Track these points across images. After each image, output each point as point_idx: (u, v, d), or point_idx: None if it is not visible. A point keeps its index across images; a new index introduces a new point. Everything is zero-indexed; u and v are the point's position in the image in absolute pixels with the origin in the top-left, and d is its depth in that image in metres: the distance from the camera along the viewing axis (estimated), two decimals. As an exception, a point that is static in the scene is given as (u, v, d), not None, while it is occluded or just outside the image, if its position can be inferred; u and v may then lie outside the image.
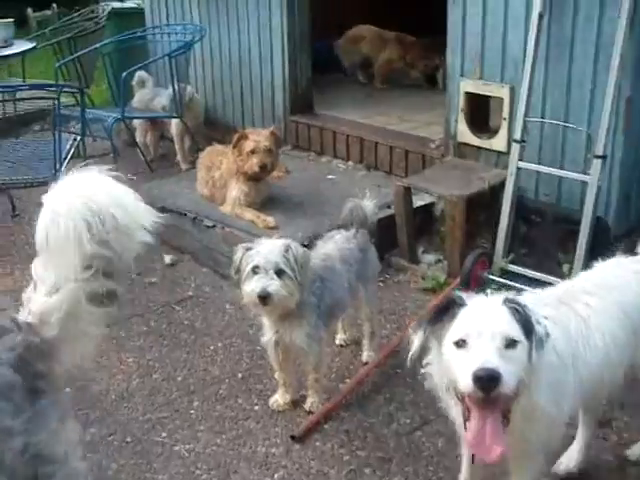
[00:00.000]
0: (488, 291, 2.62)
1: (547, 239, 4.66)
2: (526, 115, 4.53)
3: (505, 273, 4.63)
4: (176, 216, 5.28)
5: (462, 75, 5.09)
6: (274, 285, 3.32)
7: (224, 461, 3.44)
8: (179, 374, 4.06)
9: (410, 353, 2.49)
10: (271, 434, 3.62)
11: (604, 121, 4.19)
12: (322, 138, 6.08)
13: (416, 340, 2.46)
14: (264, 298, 3.33)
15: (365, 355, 4.12)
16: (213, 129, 6.93)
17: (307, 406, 3.75)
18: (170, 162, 6.95)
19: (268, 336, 3.62)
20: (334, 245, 3.81)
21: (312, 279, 3.53)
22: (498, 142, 4.96)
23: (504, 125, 4.89)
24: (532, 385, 2.41)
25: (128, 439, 3.57)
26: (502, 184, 4.78)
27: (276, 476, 3.36)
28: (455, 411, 2.59)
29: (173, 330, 4.46)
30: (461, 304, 2.42)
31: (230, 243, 4.80)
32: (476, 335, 2.29)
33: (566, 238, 4.66)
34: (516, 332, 2.31)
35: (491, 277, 4.63)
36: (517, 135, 4.52)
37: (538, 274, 4.50)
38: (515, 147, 4.53)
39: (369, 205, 3.96)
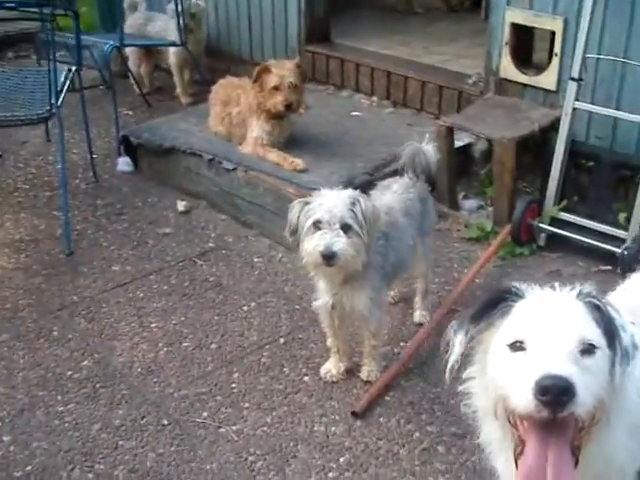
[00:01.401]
0: (555, 284, 1.88)
1: (601, 186, 4.24)
2: (585, 51, 4.03)
3: (556, 222, 4.22)
4: (189, 157, 4.75)
5: (509, 4, 4.56)
6: (340, 242, 2.85)
7: (279, 444, 3.02)
8: (212, 341, 3.60)
9: (449, 363, 1.85)
10: (327, 410, 3.20)
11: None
12: (343, 71, 5.52)
13: (457, 345, 1.82)
14: (329, 257, 2.85)
15: (418, 315, 3.72)
16: (216, 59, 6.33)
17: (364, 376, 3.34)
18: (168, 96, 6.34)
19: (324, 300, 3.16)
20: (393, 196, 3.34)
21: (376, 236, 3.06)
22: (547, 79, 4.48)
23: (555, 61, 4.40)
24: (612, 416, 1.76)
25: (164, 421, 3.13)
26: (551, 125, 4.37)
27: (341, 460, 2.95)
28: (500, 447, 1.92)
29: (197, 288, 3.98)
30: (518, 295, 1.80)
31: (254, 187, 4.32)
32: (540, 335, 1.67)
33: (621, 185, 4.25)
34: (595, 335, 1.69)
35: (541, 226, 4.22)
36: (575, 73, 4.03)
37: (592, 223, 4.12)
38: (572, 86, 4.04)
39: (430, 150, 3.47)
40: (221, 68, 6.33)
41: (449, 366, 1.85)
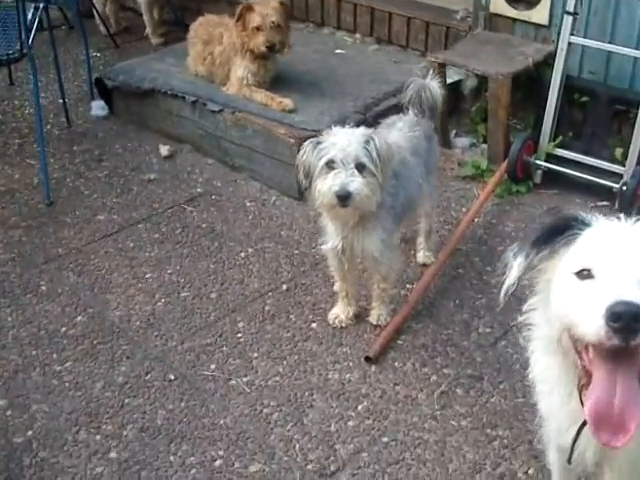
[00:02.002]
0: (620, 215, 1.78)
1: (596, 121, 4.14)
2: (581, -16, 3.89)
3: (552, 158, 4.13)
4: (170, 99, 4.52)
5: None
6: (356, 182, 2.71)
7: (294, 394, 2.92)
8: (212, 290, 3.45)
9: (505, 286, 1.79)
10: (340, 356, 3.10)
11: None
12: (323, 7, 5.29)
13: (515, 268, 1.76)
14: (344, 198, 2.71)
15: (422, 255, 3.62)
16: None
17: (374, 320, 3.24)
18: (136, 36, 6.02)
19: (333, 242, 3.03)
20: (400, 134, 3.19)
21: (387, 175, 2.92)
22: (538, 14, 4.32)
23: (548, -6, 4.23)
24: None
25: (171, 376, 2.99)
26: (544, 61, 4.24)
27: (360, 407, 2.87)
28: (558, 382, 1.83)
29: (190, 235, 3.81)
30: (584, 223, 1.72)
31: (242, 129, 4.13)
32: (610, 263, 1.60)
33: (616, 120, 4.16)
34: None
35: (538, 162, 4.13)
36: (570, 6, 3.88)
37: (588, 159, 4.03)
38: (567, 19, 3.90)
39: (435, 85, 3.32)
40: (191, 7, 6.06)
41: (504, 288, 1.80)
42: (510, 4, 4.41)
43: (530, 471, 2.62)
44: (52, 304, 3.34)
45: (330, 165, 2.74)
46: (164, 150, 4.45)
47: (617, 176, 3.91)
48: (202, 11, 5.89)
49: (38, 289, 3.43)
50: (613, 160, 3.97)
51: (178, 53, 4.89)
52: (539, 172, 4.16)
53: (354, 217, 2.88)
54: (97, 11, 5.89)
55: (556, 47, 4.12)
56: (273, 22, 4.13)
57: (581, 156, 4.05)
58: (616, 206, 3.92)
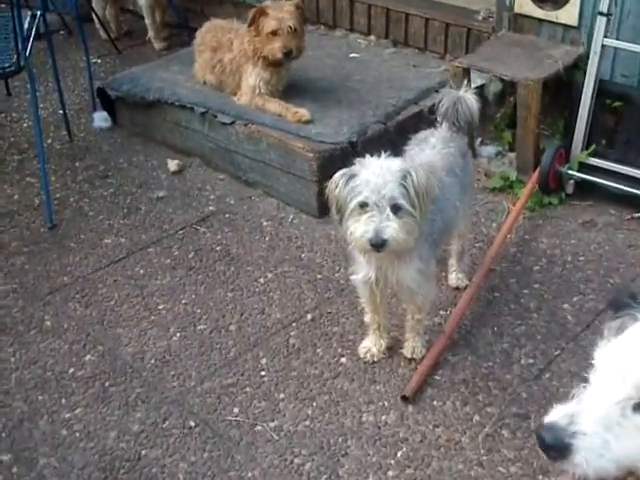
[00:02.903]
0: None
1: (631, 128, 3.89)
2: (614, -18, 3.64)
3: (585, 167, 3.88)
4: (177, 110, 4.27)
5: None
6: (390, 229, 2.46)
7: (326, 441, 2.68)
8: (230, 321, 3.21)
9: None
10: (374, 395, 2.86)
11: None
12: (335, 9, 5.02)
13: None
14: (378, 246, 2.47)
15: (454, 278, 3.37)
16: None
17: (408, 353, 3.00)
18: (138, 41, 5.76)
19: (365, 273, 2.78)
20: (433, 151, 2.93)
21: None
22: (567, 14, 4.06)
23: (578, -6, 3.97)
24: None
25: (191, 423, 2.75)
26: (574, 64, 3.99)
27: (399, 454, 2.63)
28: None
29: (204, 260, 3.56)
30: None
31: (256, 142, 3.88)
32: None
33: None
34: None
35: (570, 172, 3.88)
36: (603, 7, 3.63)
37: (623, 167, 3.78)
38: (601, 21, 3.64)
39: (471, 98, 3.06)
40: (194, 9, 5.81)
41: None
42: (536, 4, 4.15)
43: (590, 525, 2.37)
44: (58, 341, 3.10)
45: (363, 206, 2.48)
46: (172, 165, 4.20)
47: (655, 186, 3.67)
48: (205, 13, 5.68)
49: (42, 324, 3.19)
50: (650, 169, 3.72)
51: (184, 60, 4.64)
52: (571, 182, 3.91)
53: (389, 257, 2.63)
54: (97, 15, 5.62)
55: (587, 50, 3.89)
56: (290, 27, 3.87)
57: (616, 165, 3.80)
58: (655, 218, 3.68)
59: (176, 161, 4.22)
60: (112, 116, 4.67)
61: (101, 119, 4.65)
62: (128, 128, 4.59)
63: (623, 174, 3.75)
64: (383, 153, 2.59)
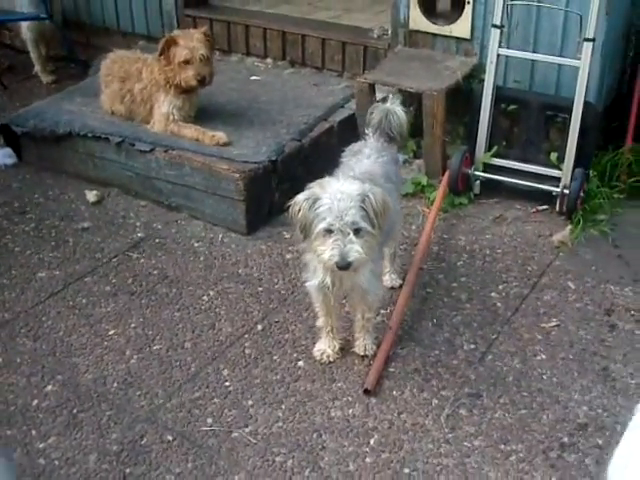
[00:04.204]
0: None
1: (527, 128, 4.27)
2: (505, -2, 4.01)
3: (489, 168, 4.22)
4: (90, 142, 4.28)
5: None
6: (353, 251, 2.66)
7: (302, 438, 2.80)
8: (184, 339, 3.28)
9: None
10: (336, 392, 3.01)
11: (594, 3, 3.77)
12: (229, 34, 5.18)
13: None
14: (344, 268, 2.67)
15: (388, 279, 3.58)
16: (72, 31, 5.72)
17: (360, 350, 3.18)
18: (22, 75, 5.68)
19: (320, 279, 2.93)
20: (370, 160, 3.14)
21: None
22: (460, 28, 4.42)
23: (468, 9, 4.33)
24: None
25: (168, 437, 2.80)
26: (470, 73, 4.36)
27: (372, 442, 2.79)
28: None
29: (144, 284, 3.60)
30: None
31: (179, 167, 3.97)
32: None
33: (547, 125, 4.31)
34: None
35: (477, 174, 4.22)
36: (497, 20, 4.00)
37: (524, 165, 4.15)
38: (495, 33, 4.01)
39: (399, 110, 3.31)
40: (80, 40, 5.80)
41: None
42: (430, 20, 4.47)
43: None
44: (14, 375, 3.06)
45: (328, 231, 2.66)
46: (91, 196, 4.20)
47: (554, 180, 4.04)
48: (92, 43, 5.69)
49: (-7, 361, 3.13)
50: (549, 165, 4.09)
51: (86, 92, 4.67)
52: (477, 183, 4.24)
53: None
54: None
55: (481, 59, 4.25)
56: (202, 55, 4.00)
57: (517, 163, 4.16)
58: (557, 209, 4.05)
59: (94, 192, 4.23)
60: (16, 152, 4.60)
61: (5, 156, 4.59)
62: (35, 163, 4.55)
63: (524, 171, 4.11)
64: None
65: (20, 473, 2.64)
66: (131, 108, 4.30)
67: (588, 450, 2.74)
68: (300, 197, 2.70)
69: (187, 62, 4.00)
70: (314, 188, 2.71)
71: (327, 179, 2.78)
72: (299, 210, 2.69)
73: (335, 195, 2.65)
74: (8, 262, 3.73)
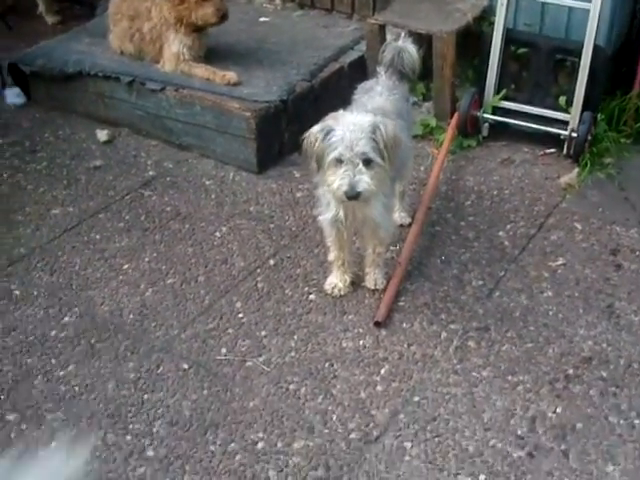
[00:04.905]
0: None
1: (536, 72, 4.26)
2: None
3: (498, 110, 4.24)
4: (100, 81, 4.29)
5: None
6: (363, 182, 2.70)
7: (314, 367, 2.88)
8: (197, 273, 3.34)
9: None
10: (348, 324, 3.08)
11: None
12: (238, -26, 5.14)
13: None
14: (353, 197, 2.71)
15: (397, 217, 3.62)
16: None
17: (371, 284, 3.25)
18: (27, 16, 5.61)
19: (333, 213, 2.99)
20: (382, 98, 3.17)
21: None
22: (471, -32, 4.39)
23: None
24: None
25: (184, 366, 2.88)
26: (481, 16, 4.33)
27: (383, 372, 2.87)
28: None
29: (157, 220, 3.66)
30: None
31: (189, 106, 3.99)
32: None
33: (556, 69, 4.30)
34: None
35: (486, 116, 4.23)
36: (509, -38, 3.98)
37: (533, 108, 4.16)
38: (506, -25, 4.00)
39: (412, 47, 3.33)
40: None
41: None
42: (440, -39, 4.44)
43: (558, 410, 2.71)
44: (32, 308, 3.13)
45: (338, 161, 2.70)
46: (102, 135, 4.23)
47: (562, 123, 4.06)
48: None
49: (11, 294, 3.21)
50: (557, 108, 4.10)
51: (93, 32, 4.66)
52: (486, 125, 4.26)
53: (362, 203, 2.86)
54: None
55: (491, 2, 4.24)
56: None
57: (526, 106, 4.17)
58: (564, 152, 4.09)
59: (105, 131, 4.25)
60: (24, 92, 4.60)
61: (14, 95, 4.59)
62: (45, 103, 4.56)
63: (532, 114, 4.13)
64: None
65: (42, 399, 2.72)
66: (140, 47, 4.30)
67: (592, 382, 2.81)
68: (314, 128, 2.75)
69: None
70: (328, 120, 2.75)
71: (341, 112, 2.81)
72: (314, 141, 2.72)
73: (347, 126, 2.70)
74: (22, 199, 3.77)
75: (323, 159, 2.74)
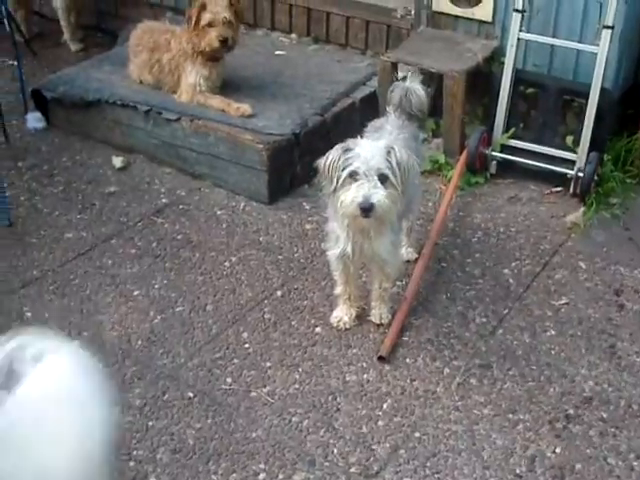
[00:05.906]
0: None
1: (545, 111, 4.34)
2: (527, -17, 4.07)
3: (506, 148, 4.31)
4: (118, 109, 4.38)
5: None
6: (378, 195, 2.76)
7: (318, 400, 2.93)
8: (206, 302, 3.40)
9: None
10: (352, 358, 3.13)
11: (614, -9, 3.84)
12: (256, 8, 5.25)
13: None
14: (367, 210, 2.76)
15: (404, 252, 3.68)
16: (103, 0, 5.82)
17: (376, 319, 3.30)
18: (51, 42, 5.75)
19: (342, 248, 3.05)
20: (391, 137, 3.24)
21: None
22: (482, 11, 4.47)
23: (491, -8, 4.39)
24: None
25: (189, 394, 2.93)
26: (491, 56, 4.42)
27: (385, 406, 2.92)
28: None
29: (168, 248, 3.72)
30: None
31: (204, 137, 4.08)
32: None
33: (564, 109, 4.37)
34: None
35: (494, 154, 4.30)
36: (519, 5, 4.07)
37: (542, 147, 4.23)
38: (516, 17, 4.08)
39: (419, 88, 3.41)
40: (109, 11, 5.90)
41: None
42: (453, 2, 4.54)
43: (557, 450, 2.75)
44: (43, 330, 3.18)
45: (353, 176, 2.77)
46: (117, 161, 4.31)
47: (569, 163, 4.13)
48: (120, 14, 5.78)
49: (23, 316, 3.27)
50: (564, 148, 4.17)
51: (114, 61, 4.76)
52: (494, 163, 4.32)
53: (374, 227, 2.92)
54: (12, 17, 5.56)
55: (502, 42, 4.32)
56: (225, 18, 4.10)
57: (534, 145, 4.24)
58: (570, 191, 4.14)
59: (120, 158, 4.33)
60: (45, 116, 4.71)
61: (35, 120, 4.68)
62: (64, 128, 4.65)
63: (539, 153, 4.20)
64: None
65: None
66: (159, 78, 4.40)
67: (593, 422, 2.85)
68: (335, 147, 2.83)
69: (210, 25, 4.10)
70: (347, 141, 2.84)
71: (358, 138, 2.90)
72: (332, 158, 2.80)
73: (364, 147, 2.81)
74: (37, 222, 3.85)
75: (339, 176, 2.79)
